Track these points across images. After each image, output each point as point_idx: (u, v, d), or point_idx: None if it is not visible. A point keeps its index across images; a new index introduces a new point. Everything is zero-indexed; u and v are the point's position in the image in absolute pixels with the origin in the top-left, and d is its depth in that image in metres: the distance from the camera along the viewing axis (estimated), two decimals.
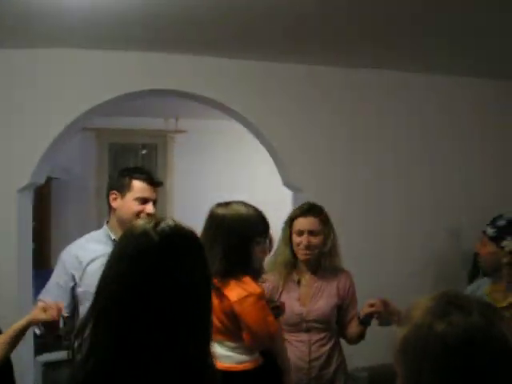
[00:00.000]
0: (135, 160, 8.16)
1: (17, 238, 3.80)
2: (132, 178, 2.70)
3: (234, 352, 2.47)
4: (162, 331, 1.23)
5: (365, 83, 4.39)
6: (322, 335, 3.01)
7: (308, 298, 3.05)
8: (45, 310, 2.26)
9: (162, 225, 1.35)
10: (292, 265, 3.10)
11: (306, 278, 3.09)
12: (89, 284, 2.52)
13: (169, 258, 1.28)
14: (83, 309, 2.58)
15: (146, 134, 8.04)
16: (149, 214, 2.66)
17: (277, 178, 4.55)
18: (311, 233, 3.01)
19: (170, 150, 8.09)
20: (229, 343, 2.46)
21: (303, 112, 4.31)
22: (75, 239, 2.90)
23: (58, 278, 2.76)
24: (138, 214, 2.67)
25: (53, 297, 2.59)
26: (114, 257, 1.36)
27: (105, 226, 2.81)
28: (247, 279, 2.41)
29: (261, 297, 2.41)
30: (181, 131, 7.98)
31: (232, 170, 7.94)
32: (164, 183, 7.88)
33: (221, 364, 2.05)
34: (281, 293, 3.04)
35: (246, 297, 2.37)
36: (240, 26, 3.52)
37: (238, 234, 2.41)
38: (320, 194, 4.10)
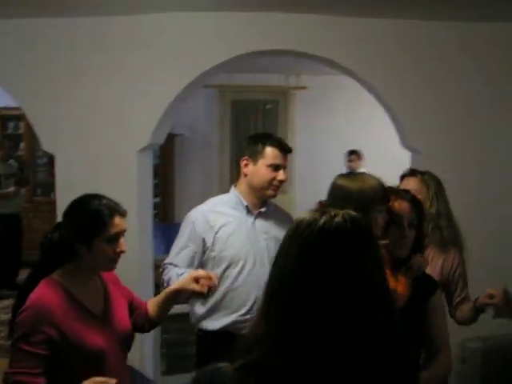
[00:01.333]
0: (256, 117, 8.26)
1: (137, 197, 4.01)
2: (265, 144, 2.66)
3: None
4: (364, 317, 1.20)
5: (487, 38, 4.06)
6: None
7: None
8: (197, 280, 2.26)
9: (344, 214, 1.27)
10: None
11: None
12: (221, 249, 2.65)
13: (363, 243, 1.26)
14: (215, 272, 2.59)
15: (267, 90, 8.09)
16: (281, 181, 2.67)
17: (396, 138, 4.41)
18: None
19: (291, 106, 8.09)
20: None
21: (421, 71, 4.09)
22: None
23: (187, 241, 2.71)
24: (270, 181, 2.66)
25: (184, 261, 2.69)
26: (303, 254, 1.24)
27: (234, 191, 2.77)
28: None
29: None
30: (302, 87, 7.94)
31: (352, 128, 7.83)
32: (286, 140, 8.21)
33: None
34: None
35: None
36: None
37: (356, 204, 2.37)
38: (438, 157, 3.96)
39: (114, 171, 4.04)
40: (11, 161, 7.05)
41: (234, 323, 2.65)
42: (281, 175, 2.66)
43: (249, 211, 2.72)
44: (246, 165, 2.69)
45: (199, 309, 2.73)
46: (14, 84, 4.24)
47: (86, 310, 2.03)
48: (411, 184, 2.87)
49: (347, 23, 4.02)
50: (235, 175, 2.92)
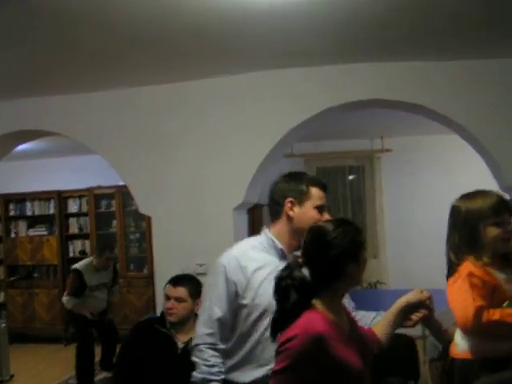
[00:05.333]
0: (344, 182, 8.25)
1: None
2: (309, 184, 2.46)
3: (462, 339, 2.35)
4: None
5: None
6: None
7: None
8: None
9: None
10: None
11: None
12: (253, 296, 2.35)
13: None
14: (244, 324, 2.37)
15: (351, 155, 8.09)
16: None
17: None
18: None
19: (376, 169, 8.03)
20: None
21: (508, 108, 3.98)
22: None
23: (225, 289, 2.40)
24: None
25: (225, 307, 2.38)
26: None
27: (267, 233, 2.49)
28: (467, 262, 2.30)
29: (468, 276, 2.24)
30: (387, 150, 7.89)
31: (439, 184, 7.66)
32: (374, 203, 8.27)
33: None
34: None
35: (455, 278, 2.29)
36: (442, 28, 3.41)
37: (463, 218, 2.37)
38: None
39: (211, 228, 4.09)
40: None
41: (264, 377, 2.33)
42: (327, 217, 2.45)
43: (283, 255, 2.45)
44: (291, 207, 2.45)
45: (228, 360, 2.44)
46: (113, 153, 4.44)
47: (343, 331, 2.03)
48: None
49: (436, 68, 3.99)
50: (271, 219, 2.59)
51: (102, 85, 4.24)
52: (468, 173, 7.47)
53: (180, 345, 3.17)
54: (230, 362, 2.44)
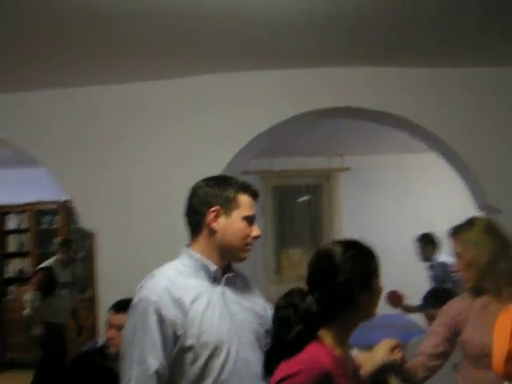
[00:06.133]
0: (300, 201, 7.97)
1: None
2: (238, 190, 2.01)
3: None
4: None
5: None
6: None
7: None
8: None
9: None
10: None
11: (494, 302, 2.50)
12: (198, 334, 1.83)
13: None
14: (191, 372, 1.84)
15: (309, 174, 7.82)
16: (256, 238, 2.02)
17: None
18: None
19: (335, 188, 7.77)
20: None
21: (491, 122, 3.74)
22: None
23: (154, 333, 1.83)
24: (246, 238, 1.99)
25: (162, 355, 1.82)
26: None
27: (193, 254, 1.99)
28: None
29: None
30: (346, 169, 7.64)
31: (401, 204, 7.46)
32: (332, 224, 7.99)
33: None
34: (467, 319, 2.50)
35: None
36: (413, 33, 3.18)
37: None
38: None
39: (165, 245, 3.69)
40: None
41: None
42: (256, 230, 2.02)
43: (215, 279, 1.97)
44: (216, 218, 1.97)
45: None
46: (54, 160, 4.00)
47: (348, 368, 1.80)
48: None
49: (411, 74, 3.73)
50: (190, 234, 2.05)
51: (39, 83, 3.82)
52: (431, 192, 7.34)
53: None
54: None
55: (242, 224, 1.98)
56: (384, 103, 3.72)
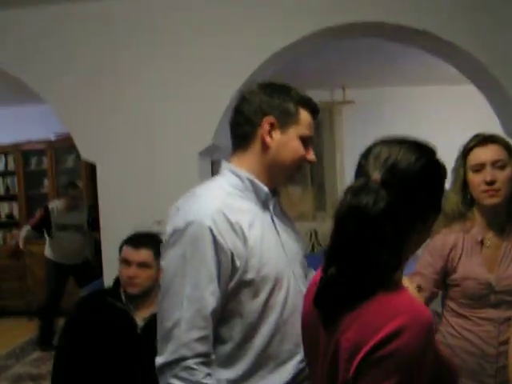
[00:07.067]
0: None
1: None
2: (299, 103, 1.67)
3: None
4: None
5: None
6: None
7: (495, 263, 2.21)
8: None
9: None
10: (466, 218, 2.27)
11: (490, 235, 2.24)
12: (259, 265, 1.55)
13: None
14: (250, 310, 1.56)
15: None
16: (311, 162, 1.71)
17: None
18: (495, 164, 2.16)
19: (337, 123, 7.42)
20: None
21: None
22: None
23: (210, 264, 1.50)
24: (301, 160, 1.68)
25: (218, 291, 1.52)
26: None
27: (239, 172, 1.66)
28: None
29: None
30: (348, 102, 7.28)
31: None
32: (333, 160, 7.66)
33: None
34: (460, 256, 2.24)
35: None
36: None
37: None
38: None
39: (171, 177, 3.37)
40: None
41: (294, 378, 1.62)
42: (311, 154, 1.70)
43: (265, 203, 1.68)
44: (271, 131, 1.65)
45: (224, 373, 1.57)
46: (45, 84, 3.58)
47: None
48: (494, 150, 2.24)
49: None
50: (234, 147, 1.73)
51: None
52: (435, 124, 7.02)
53: (140, 323, 2.47)
54: (231, 375, 1.57)
55: (298, 143, 1.66)
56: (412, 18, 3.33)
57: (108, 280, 3.32)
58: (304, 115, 1.67)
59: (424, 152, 1.27)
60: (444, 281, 2.28)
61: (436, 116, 7.11)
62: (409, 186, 1.21)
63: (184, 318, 1.48)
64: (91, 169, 7.06)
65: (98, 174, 3.51)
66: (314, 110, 1.70)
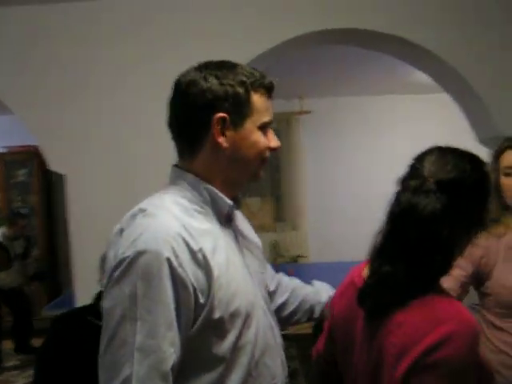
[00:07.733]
0: None
1: None
2: (252, 89, 1.36)
3: None
4: None
5: None
6: None
7: None
8: None
9: None
10: (499, 223, 2.21)
11: None
12: (227, 300, 1.27)
13: None
14: (219, 350, 1.27)
15: None
16: (274, 149, 1.43)
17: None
18: None
19: (295, 132, 7.40)
20: None
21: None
22: None
23: (169, 304, 1.19)
24: (264, 152, 1.40)
25: (178, 337, 1.20)
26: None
27: (198, 182, 1.37)
28: None
29: None
30: (305, 112, 7.26)
31: (365, 147, 7.22)
32: (293, 170, 7.55)
33: None
34: (494, 263, 2.19)
35: None
36: None
37: None
38: None
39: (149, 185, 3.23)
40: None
41: None
42: (274, 139, 1.44)
43: (227, 217, 1.42)
44: (223, 128, 1.34)
45: None
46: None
47: None
48: None
49: None
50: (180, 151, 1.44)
51: None
52: (394, 134, 7.08)
53: None
54: None
55: (258, 134, 1.38)
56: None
57: (80, 295, 3.17)
58: (259, 100, 1.37)
59: (479, 163, 1.29)
60: (479, 289, 2.23)
61: (398, 126, 7.17)
62: (463, 194, 1.23)
63: (136, 375, 1.14)
64: (47, 183, 6.86)
65: (69, 186, 3.34)
66: (269, 88, 1.40)
